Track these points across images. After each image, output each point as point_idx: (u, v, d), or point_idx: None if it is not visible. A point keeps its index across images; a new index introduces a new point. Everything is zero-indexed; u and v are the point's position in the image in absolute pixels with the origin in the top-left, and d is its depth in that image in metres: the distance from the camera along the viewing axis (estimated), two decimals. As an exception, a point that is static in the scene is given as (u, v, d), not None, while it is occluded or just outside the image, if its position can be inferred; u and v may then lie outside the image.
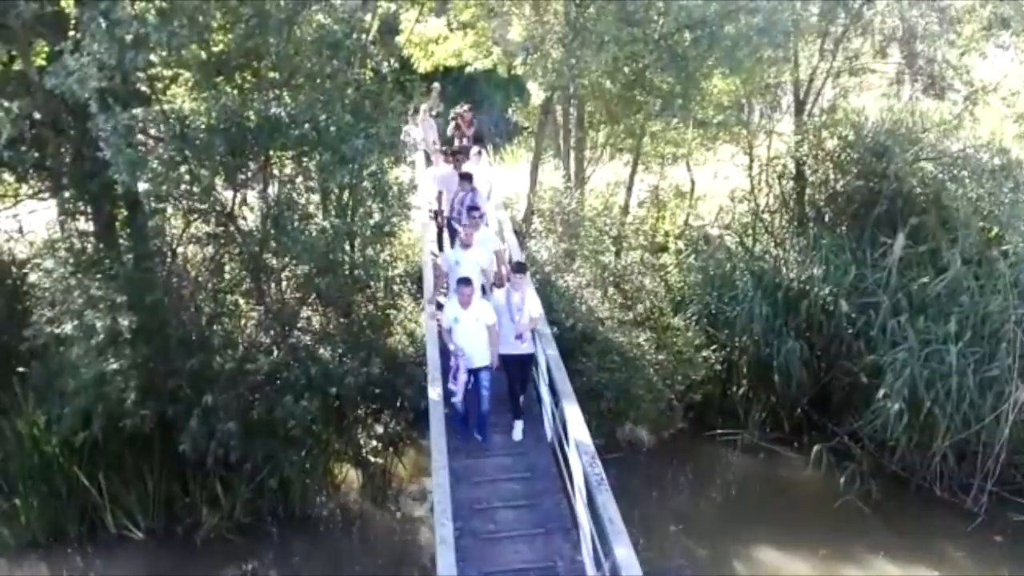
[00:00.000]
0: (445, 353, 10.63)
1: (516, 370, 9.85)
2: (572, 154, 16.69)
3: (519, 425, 9.92)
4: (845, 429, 13.26)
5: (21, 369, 11.65)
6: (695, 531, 12.00)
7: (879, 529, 11.66)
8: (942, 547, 11.46)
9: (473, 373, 9.36)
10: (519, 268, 10.07)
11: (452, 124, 17.86)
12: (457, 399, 9.38)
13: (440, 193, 13.63)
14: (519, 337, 9.63)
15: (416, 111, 17.17)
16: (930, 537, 11.60)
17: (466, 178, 12.62)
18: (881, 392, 12.46)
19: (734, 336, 14.26)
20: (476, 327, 9.27)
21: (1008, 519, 11.86)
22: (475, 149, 14.77)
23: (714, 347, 14.15)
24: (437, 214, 13.64)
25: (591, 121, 16.61)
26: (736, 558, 11.26)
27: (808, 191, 15.81)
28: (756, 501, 12.79)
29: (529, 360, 10.00)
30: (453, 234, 12.57)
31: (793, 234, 15.61)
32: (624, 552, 6.60)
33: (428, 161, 17.30)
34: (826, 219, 15.48)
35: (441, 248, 13.42)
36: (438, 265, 11.83)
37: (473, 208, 11.72)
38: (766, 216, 16.12)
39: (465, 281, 9.32)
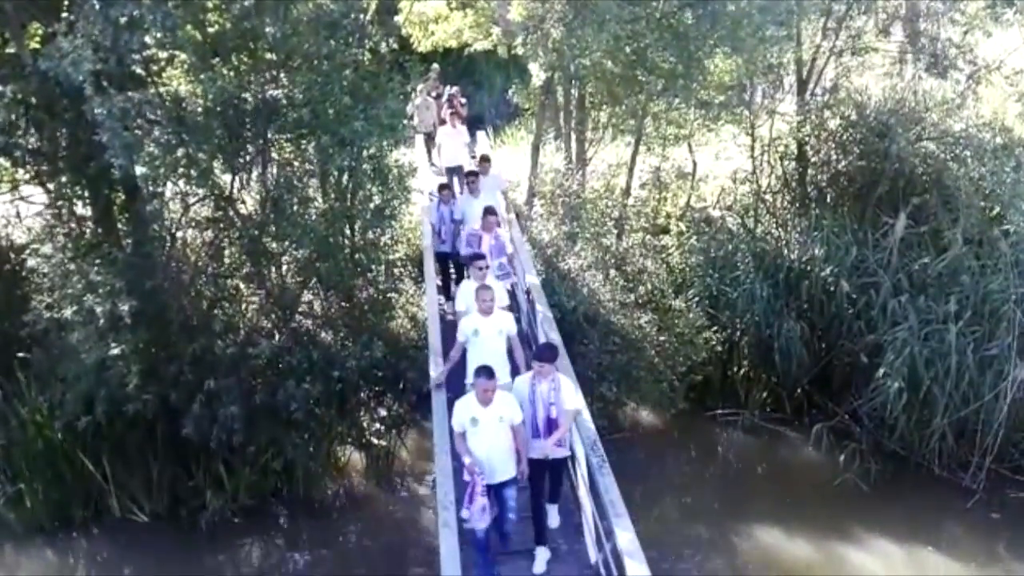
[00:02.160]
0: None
1: (542, 479, 7.52)
2: (573, 135, 16.61)
3: (542, 555, 7.51)
4: (845, 409, 13.29)
5: (22, 355, 11.65)
6: (696, 510, 12.08)
7: (878, 507, 11.70)
8: (941, 524, 11.53)
9: (494, 490, 7.14)
10: (548, 354, 7.40)
11: (446, 106, 17.76)
12: (475, 525, 7.07)
13: (439, 146, 14.94)
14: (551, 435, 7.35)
15: (415, 92, 17.07)
16: (929, 514, 11.66)
17: (491, 212, 10.82)
18: (881, 371, 12.48)
19: (735, 317, 14.25)
20: (498, 430, 7.05)
21: (1006, 496, 11.93)
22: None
23: (715, 328, 14.15)
24: (443, 183, 13.26)
25: (592, 102, 16.50)
26: (736, 536, 11.31)
27: (810, 171, 15.74)
28: (756, 480, 12.88)
29: (562, 465, 7.76)
30: (460, 270, 11.76)
31: (795, 215, 15.55)
32: (626, 536, 6.60)
33: (427, 143, 17.25)
34: (828, 199, 15.44)
35: (447, 289, 12.31)
36: (444, 317, 10.85)
37: (478, 256, 9.37)
38: (768, 197, 16.07)
39: (486, 372, 6.99)
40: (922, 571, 10.66)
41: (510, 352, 8.30)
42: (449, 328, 9.71)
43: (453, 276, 12.38)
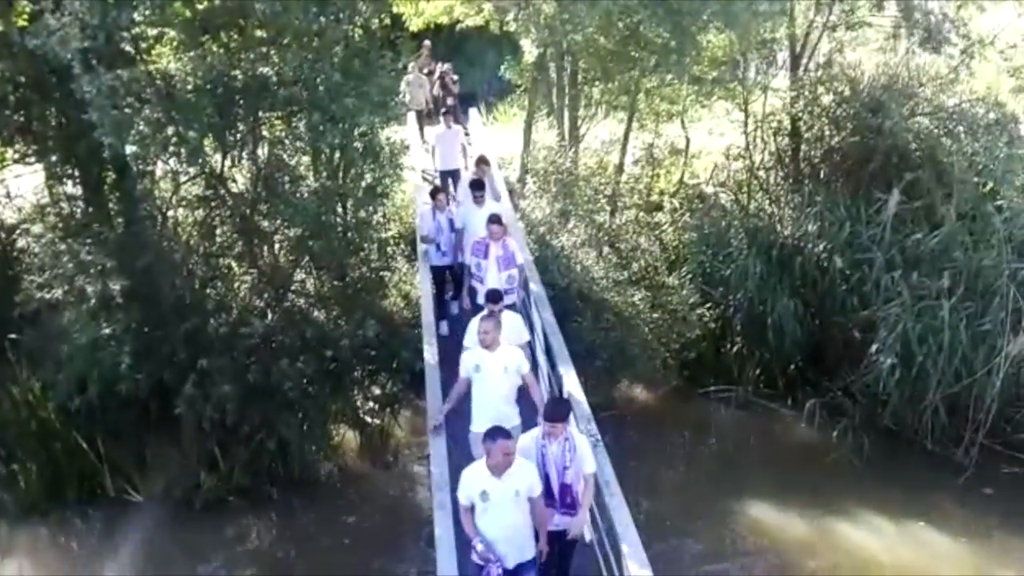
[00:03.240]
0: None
1: (552, 553, 6.37)
2: (566, 112, 16.52)
3: None
4: (838, 385, 13.32)
5: (14, 335, 11.61)
6: (689, 486, 12.15)
7: (871, 482, 11.76)
8: (933, 499, 11.57)
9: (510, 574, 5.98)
10: (559, 412, 6.23)
11: (437, 83, 17.63)
12: None
13: (434, 148, 13.69)
14: (567, 507, 6.31)
15: (406, 69, 16.93)
16: (921, 489, 11.71)
17: (496, 220, 9.63)
18: (874, 347, 12.55)
19: (728, 294, 14.28)
20: (515, 505, 5.86)
21: (998, 471, 11.98)
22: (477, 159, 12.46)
23: (708, 305, 14.17)
24: (436, 185, 12.28)
25: (585, 78, 16.41)
26: (729, 512, 11.35)
27: (803, 148, 15.74)
28: (749, 456, 12.92)
29: (576, 543, 6.68)
30: (460, 283, 10.42)
31: (788, 191, 15.55)
32: (621, 515, 6.61)
33: (419, 121, 17.14)
34: (821, 175, 15.42)
35: (441, 303, 11.07)
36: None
37: (494, 297, 8.21)
38: (761, 173, 16.06)
39: (502, 434, 5.75)
40: (914, 546, 10.72)
41: (522, 390, 7.35)
42: (449, 356, 8.81)
43: (450, 294, 11.23)
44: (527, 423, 7.06)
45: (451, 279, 11.16)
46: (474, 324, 7.71)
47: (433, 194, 11.22)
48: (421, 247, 11.48)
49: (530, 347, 8.65)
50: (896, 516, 11.14)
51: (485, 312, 7.87)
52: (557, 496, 6.25)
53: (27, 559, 10.68)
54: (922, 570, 10.24)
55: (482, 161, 12.25)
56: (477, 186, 10.72)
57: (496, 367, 7.12)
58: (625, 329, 12.90)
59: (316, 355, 11.22)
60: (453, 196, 12.52)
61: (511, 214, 11.95)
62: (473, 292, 9.58)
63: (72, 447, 11.23)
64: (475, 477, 5.84)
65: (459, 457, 7.33)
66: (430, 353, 9.41)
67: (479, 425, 6.89)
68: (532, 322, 9.48)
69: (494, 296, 8.11)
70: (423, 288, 8.11)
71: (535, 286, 10.45)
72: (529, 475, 5.91)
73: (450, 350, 9.01)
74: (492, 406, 7.05)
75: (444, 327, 10.67)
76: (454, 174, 13.85)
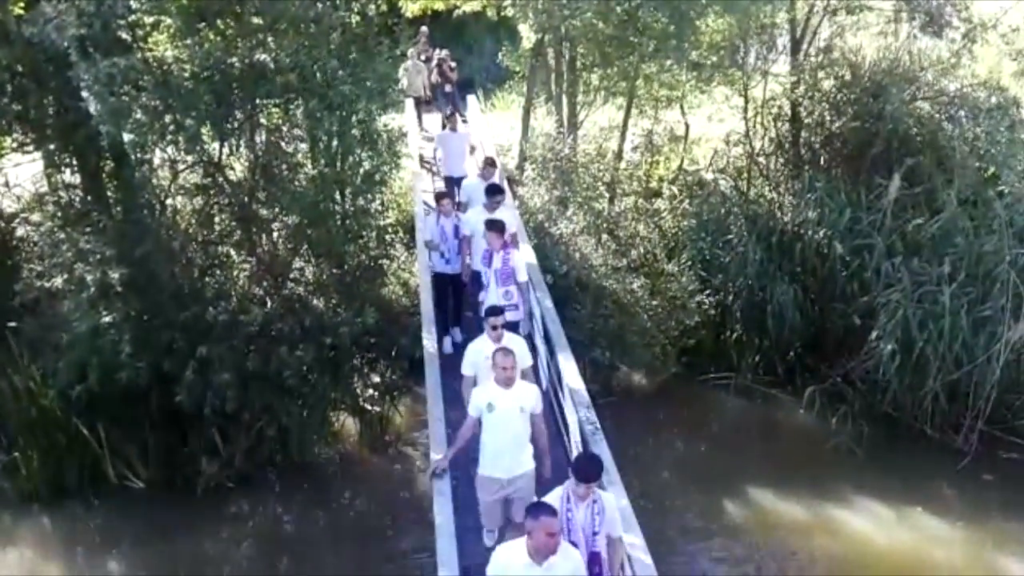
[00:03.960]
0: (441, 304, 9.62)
1: None
2: (564, 99, 16.48)
3: None
4: (837, 371, 13.31)
5: (14, 324, 11.62)
6: (688, 473, 12.14)
7: (870, 469, 11.76)
8: (932, 486, 11.58)
9: None
10: (592, 472, 5.59)
11: (435, 70, 17.56)
12: None
13: (435, 151, 13.25)
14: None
15: (404, 56, 16.88)
16: (920, 476, 11.70)
17: (495, 228, 8.99)
18: (874, 334, 12.51)
19: (728, 281, 14.24)
20: None
21: (997, 457, 11.97)
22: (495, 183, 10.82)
23: (708, 292, 14.15)
24: (440, 191, 11.67)
25: (584, 64, 16.35)
26: (728, 499, 11.37)
27: (804, 133, 15.67)
28: (749, 443, 12.94)
29: None
30: (460, 295, 10.02)
31: (788, 177, 15.51)
32: (620, 503, 6.61)
33: (417, 108, 17.09)
34: (821, 161, 15.38)
35: (447, 321, 10.15)
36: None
37: (494, 311, 7.49)
38: (761, 159, 15.99)
39: (545, 511, 5.00)
40: (913, 531, 10.73)
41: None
42: (451, 376, 8.35)
43: (450, 303, 10.39)
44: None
45: (452, 291, 10.26)
46: (475, 349, 7.19)
47: (438, 198, 10.48)
48: (423, 256, 10.67)
49: (534, 360, 8.02)
50: (895, 502, 11.14)
51: (494, 342, 7.08)
52: (585, 563, 5.52)
53: (29, 547, 10.71)
54: (920, 555, 10.25)
55: (490, 164, 11.54)
56: (494, 191, 9.85)
57: (511, 406, 6.33)
58: (624, 316, 12.91)
59: (315, 343, 11.22)
60: (459, 201, 11.34)
61: (517, 220, 11.20)
62: (478, 302, 9.03)
63: (73, 435, 11.23)
64: (513, 561, 5.07)
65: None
66: (429, 341, 9.38)
67: (489, 469, 6.45)
68: (537, 351, 8.83)
69: (494, 311, 7.41)
70: (424, 297, 7.83)
71: (537, 307, 9.79)
72: (570, 561, 5.11)
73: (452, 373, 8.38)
74: (506, 450, 6.42)
75: (448, 344, 9.93)
76: (459, 182, 12.51)
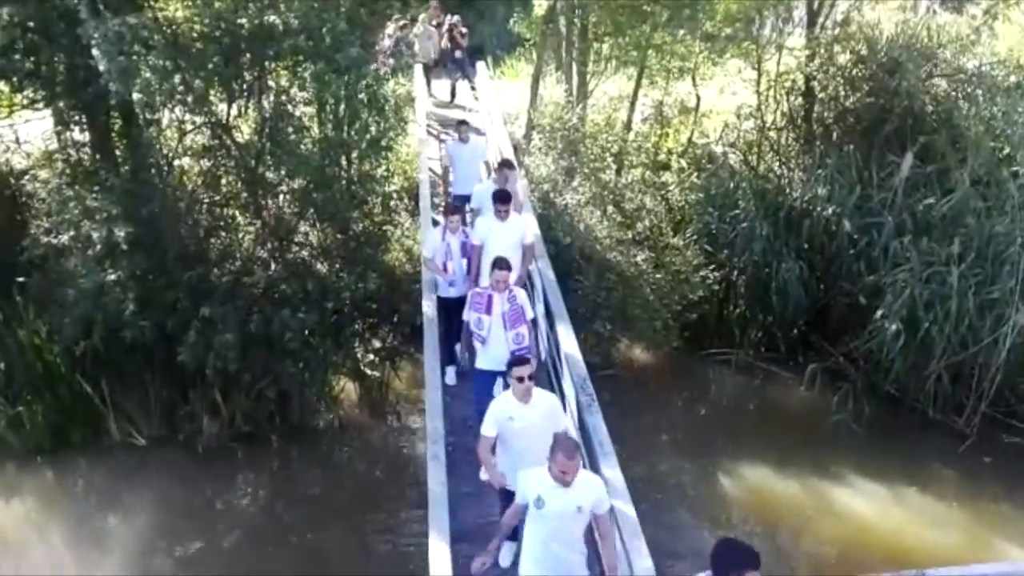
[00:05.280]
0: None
1: None
2: (575, 67, 16.32)
3: None
4: (840, 350, 13.27)
5: (21, 279, 11.73)
6: (687, 449, 12.17)
7: (870, 448, 11.75)
8: (932, 467, 11.58)
9: None
10: None
11: (446, 36, 17.39)
12: None
13: (444, 161, 11.72)
14: None
15: (414, 21, 16.72)
16: (921, 457, 11.70)
17: (502, 199, 8.35)
18: (879, 313, 12.42)
19: (733, 256, 14.17)
20: None
21: (999, 440, 11.96)
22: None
23: (712, 267, 14.07)
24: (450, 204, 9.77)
25: (595, 32, 16.18)
26: (727, 475, 11.43)
27: (816, 108, 15.43)
28: (749, 419, 12.94)
29: None
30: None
31: (799, 152, 15.32)
32: (612, 472, 6.65)
33: (426, 73, 16.96)
34: (834, 137, 15.13)
35: (450, 339, 8.83)
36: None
37: (519, 360, 6.14)
38: (772, 134, 15.79)
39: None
40: (912, 512, 10.75)
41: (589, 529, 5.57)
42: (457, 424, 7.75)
43: (455, 329, 8.73)
44: None
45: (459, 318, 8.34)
46: (503, 410, 6.05)
47: (449, 212, 9.02)
48: (425, 274, 9.48)
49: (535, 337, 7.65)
50: (894, 482, 11.15)
51: (520, 399, 6.00)
52: None
53: (33, 500, 10.88)
54: (917, 536, 10.26)
55: (506, 165, 10.08)
56: (502, 198, 8.54)
57: (567, 506, 5.18)
58: (627, 289, 12.87)
59: (318, 307, 11.30)
60: (470, 208, 10.12)
61: (534, 230, 9.74)
62: (473, 352, 7.59)
63: (77, 391, 11.41)
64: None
65: (457, 408, 7.23)
66: (428, 307, 9.33)
67: (531, 569, 5.42)
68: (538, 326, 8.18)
69: (519, 361, 6.05)
70: (429, 395, 7.43)
71: (539, 278, 9.36)
72: None
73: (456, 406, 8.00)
74: (554, 553, 5.32)
75: (451, 375, 8.91)
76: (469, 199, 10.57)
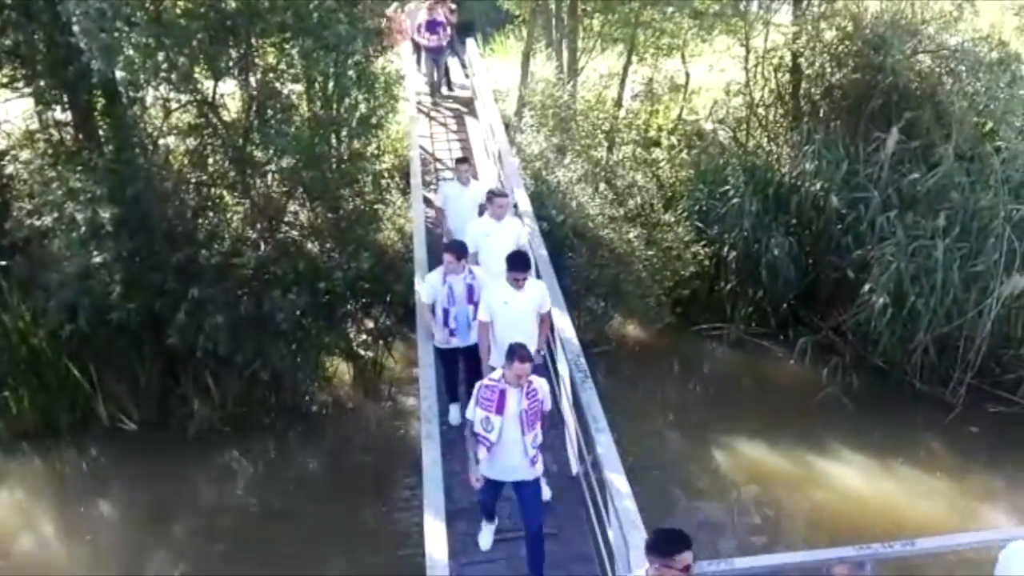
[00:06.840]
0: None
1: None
2: (565, 44, 16.22)
3: None
4: (830, 324, 13.37)
5: (4, 262, 11.51)
6: (679, 422, 12.28)
7: (859, 420, 11.86)
8: (919, 438, 11.72)
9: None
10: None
11: (439, 7, 17.15)
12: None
13: (442, 200, 9.99)
14: None
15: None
16: (908, 428, 11.85)
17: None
18: (867, 287, 12.53)
19: (724, 232, 14.18)
20: None
21: (985, 411, 12.06)
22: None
23: (703, 243, 14.11)
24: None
25: (585, 9, 16.09)
26: (718, 449, 11.48)
27: (804, 84, 15.48)
28: (740, 393, 13.00)
29: None
30: (476, 372, 7.22)
31: (787, 128, 15.38)
32: (605, 449, 6.67)
33: (416, 51, 16.78)
34: (821, 113, 15.21)
35: (453, 382, 8.07)
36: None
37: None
38: (760, 110, 15.84)
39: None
40: (899, 483, 10.87)
41: None
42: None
43: (462, 378, 7.98)
44: None
45: (467, 368, 7.81)
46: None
47: (445, 250, 7.65)
48: (421, 320, 8.08)
49: None
50: (883, 453, 11.27)
51: None
52: None
53: (20, 485, 10.75)
54: (907, 506, 10.39)
55: (497, 194, 8.60)
56: (518, 263, 7.07)
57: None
58: (620, 266, 12.87)
59: (309, 287, 11.20)
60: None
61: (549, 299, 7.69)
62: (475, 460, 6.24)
63: (64, 375, 11.23)
64: None
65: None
66: (420, 286, 9.19)
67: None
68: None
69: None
70: (423, 373, 7.10)
71: (530, 221, 9.44)
72: None
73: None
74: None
75: (455, 414, 8.04)
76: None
